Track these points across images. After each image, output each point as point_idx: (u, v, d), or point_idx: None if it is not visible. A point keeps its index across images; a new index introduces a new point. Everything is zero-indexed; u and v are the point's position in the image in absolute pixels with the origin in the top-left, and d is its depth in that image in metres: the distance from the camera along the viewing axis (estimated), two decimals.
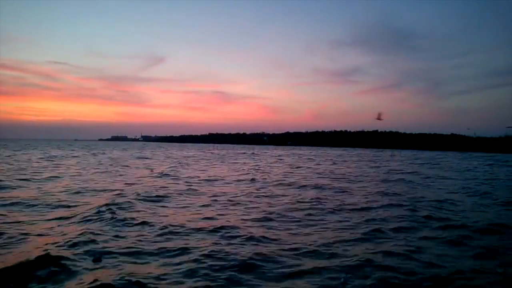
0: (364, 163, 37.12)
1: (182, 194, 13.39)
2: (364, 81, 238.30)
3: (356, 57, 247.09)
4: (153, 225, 8.32)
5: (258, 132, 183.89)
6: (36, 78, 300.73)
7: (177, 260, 6.06)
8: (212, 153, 60.13)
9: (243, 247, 6.80)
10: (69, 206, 10.61)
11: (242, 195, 13.56)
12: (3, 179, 16.11)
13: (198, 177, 19.98)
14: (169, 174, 20.76)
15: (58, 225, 8.32)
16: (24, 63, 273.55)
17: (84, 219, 8.87)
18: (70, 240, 6.84)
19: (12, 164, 25.39)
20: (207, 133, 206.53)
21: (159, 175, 20.19)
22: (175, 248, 6.64)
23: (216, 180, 18.72)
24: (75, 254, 6.13)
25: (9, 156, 36.30)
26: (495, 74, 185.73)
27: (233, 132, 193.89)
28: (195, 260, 5.97)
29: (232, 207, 11.03)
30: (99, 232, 7.52)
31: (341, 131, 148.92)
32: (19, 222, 8.50)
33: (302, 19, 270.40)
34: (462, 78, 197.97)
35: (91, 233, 7.35)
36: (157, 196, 12.68)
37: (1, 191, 13.13)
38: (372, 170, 26.70)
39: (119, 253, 6.33)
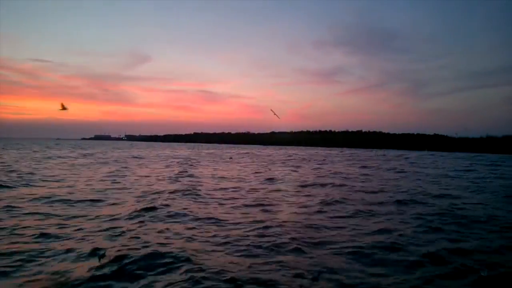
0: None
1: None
2: (347, 81, 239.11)
3: (339, 57, 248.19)
4: None
5: (243, 131, 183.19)
6: (17, 76, 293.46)
7: None
8: (207, 153, 59.10)
9: None
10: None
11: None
12: None
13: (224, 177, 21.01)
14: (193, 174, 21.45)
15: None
16: (4, 60, 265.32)
17: None
18: None
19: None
20: (192, 132, 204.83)
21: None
22: None
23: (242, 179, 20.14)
24: None
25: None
26: (475, 75, 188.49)
27: (218, 131, 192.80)
28: None
29: None
30: None
31: (325, 131, 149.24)
32: None
33: (286, 20, 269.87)
34: (443, 79, 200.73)
35: None
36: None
37: None
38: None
39: None
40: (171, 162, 33.87)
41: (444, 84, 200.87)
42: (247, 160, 39.30)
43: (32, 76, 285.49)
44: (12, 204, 10.85)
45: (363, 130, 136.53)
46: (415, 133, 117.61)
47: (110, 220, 9.36)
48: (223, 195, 14.02)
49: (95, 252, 6.36)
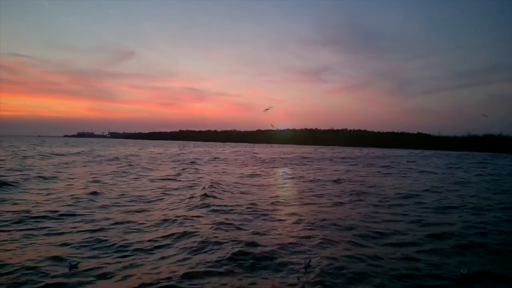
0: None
1: None
2: (334, 80, 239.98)
3: (327, 56, 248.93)
4: None
5: (229, 129, 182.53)
6: None
7: None
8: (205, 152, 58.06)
9: None
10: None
11: None
12: None
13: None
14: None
15: None
16: None
17: None
18: None
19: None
20: (177, 130, 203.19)
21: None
22: None
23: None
24: None
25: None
26: (459, 75, 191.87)
27: (203, 129, 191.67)
28: None
29: None
30: None
31: (311, 129, 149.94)
32: None
33: (273, 18, 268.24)
34: (427, 79, 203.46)
35: None
36: None
37: None
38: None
39: None
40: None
41: (428, 84, 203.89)
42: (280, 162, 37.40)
43: (11, 72, 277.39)
44: None
45: (348, 129, 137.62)
46: (400, 132, 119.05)
47: None
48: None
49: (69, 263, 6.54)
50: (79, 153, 43.05)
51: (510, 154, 66.18)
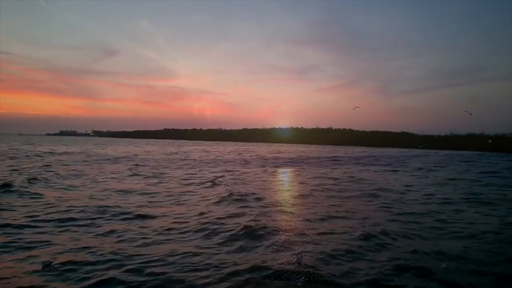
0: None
1: None
2: (320, 79, 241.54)
3: (313, 55, 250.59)
4: None
5: (215, 128, 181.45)
6: None
7: None
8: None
9: None
10: None
11: None
12: None
13: None
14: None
15: None
16: None
17: None
18: None
19: None
20: (162, 129, 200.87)
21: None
22: None
23: None
24: None
25: None
26: (441, 75, 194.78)
27: (189, 127, 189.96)
28: None
29: None
30: None
31: (297, 128, 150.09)
32: None
33: (260, 17, 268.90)
34: (410, 79, 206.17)
35: None
36: None
37: None
38: None
39: None
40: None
41: (411, 83, 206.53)
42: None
43: None
44: None
45: (334, 127, 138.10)
46: (384, 131, 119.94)
47: None
48: None
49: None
50: (80, 152, 41.13)
51: (493, 152, 66.85)
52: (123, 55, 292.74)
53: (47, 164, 22.96)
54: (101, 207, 9.71)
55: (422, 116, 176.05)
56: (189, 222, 8.46)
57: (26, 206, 9.80)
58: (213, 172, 20.92)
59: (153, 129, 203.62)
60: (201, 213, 9.39)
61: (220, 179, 17.12)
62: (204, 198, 11.93)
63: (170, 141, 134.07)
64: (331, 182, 16.99)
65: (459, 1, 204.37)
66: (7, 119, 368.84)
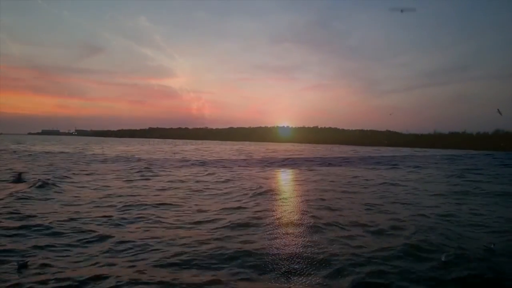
0: None
1: None
2: (305, 78, 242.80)
3: (298, 54, 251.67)
4: None
5: (201, 127, 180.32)
6: None
7: None
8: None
9: None
10: None
11: None
12: None
13: None
14: None
15: None
16: None
17: None
18: None
19: None
20: (147, 128, 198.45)
21: None
22: None
23: None
24: None
25: None
26: (425, 75, 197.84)
27: (174, 126, 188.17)
28: None
29: None
30: None
31: (283, 126, 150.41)
32: None
33: (245, 16, 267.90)
34: (394, 78, 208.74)
35: None
36: None
37: None
38: None
39: None
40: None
41: (396, 83, 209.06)
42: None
43: None
44: None
45: (319, 126, 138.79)
46: (368, 129, 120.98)
47: None
48: None
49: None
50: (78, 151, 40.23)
51: (476, 150, 67.85)
52: (108, 53, 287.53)
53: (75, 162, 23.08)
54: None
55: (408, 115, 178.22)
56: None
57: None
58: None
59: (138, 128, 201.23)
60: None
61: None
62: None
63: (157, 140, 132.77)
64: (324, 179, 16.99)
65: (443, 1, 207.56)
66: None
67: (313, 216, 9.11)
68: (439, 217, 9.53)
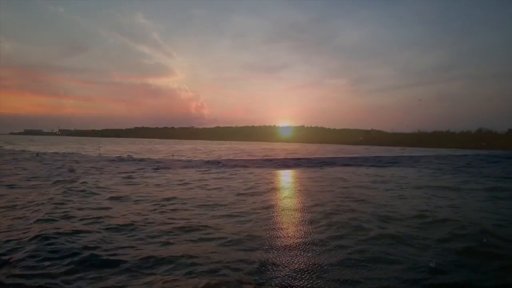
0: None
1: None
2: (291, 77, 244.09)
3: (284, 54, 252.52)
4: None
5: (187, 126, 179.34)
6: None
7: None
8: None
9: None
10: None
11: None
12: None
13: None
14: None
15: None
16: None
17: None
18: None
19: None
20: (133, 127, 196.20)
21: None
22: None
23: None
24: None
25: None
26: (410, 74, 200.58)
27: (160, 126, 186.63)
28: None
29: None
30: None
31: (269, 125, 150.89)
32: None
33: (231, 15, 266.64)
34: (379, 77, 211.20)
35: None
36: None
37: None
38: None
39: None
40: None
41: (380, 82, 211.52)
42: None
43: None
44: None
45: (306, 126, 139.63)
46: (353, 129, 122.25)
47: None
48: None
49: None
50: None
51: (461, 149, 68.92)
52: (91, 51, 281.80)
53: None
54: None
55: (392, 114, 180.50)
56: None
57: None
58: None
59: (123, 128, 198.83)
60: None
61: None
62: None
63: (145, 140, 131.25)
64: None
65: (428, 1, 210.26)
66: None
67: None
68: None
